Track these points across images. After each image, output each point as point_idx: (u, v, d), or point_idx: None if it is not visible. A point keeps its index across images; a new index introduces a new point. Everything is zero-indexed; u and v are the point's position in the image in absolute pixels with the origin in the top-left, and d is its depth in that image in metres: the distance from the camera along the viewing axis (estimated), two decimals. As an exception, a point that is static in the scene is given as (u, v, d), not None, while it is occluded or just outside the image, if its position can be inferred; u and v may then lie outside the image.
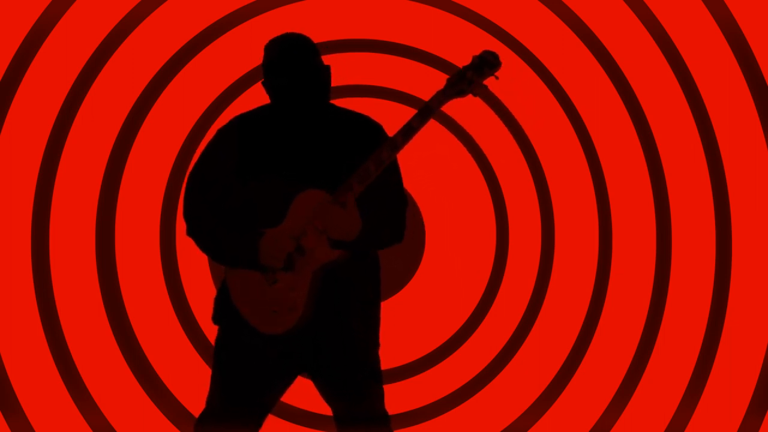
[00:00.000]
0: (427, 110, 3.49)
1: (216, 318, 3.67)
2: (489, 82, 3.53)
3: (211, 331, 5.16)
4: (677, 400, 5.04)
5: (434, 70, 5.12)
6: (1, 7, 4.96)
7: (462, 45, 5.09)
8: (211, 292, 5.19)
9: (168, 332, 5.16)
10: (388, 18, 5.11)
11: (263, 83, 3.55)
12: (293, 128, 3.54)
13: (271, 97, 3.55)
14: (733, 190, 5.00)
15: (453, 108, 5.10)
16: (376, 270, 3.63)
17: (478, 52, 3.52)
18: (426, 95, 5.17)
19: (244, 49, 5.06)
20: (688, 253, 5.06)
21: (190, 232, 3.59)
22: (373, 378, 3.63)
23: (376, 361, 3.64)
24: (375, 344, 3.63)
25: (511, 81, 5.09)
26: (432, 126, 5.06)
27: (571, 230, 5.20)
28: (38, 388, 5.04)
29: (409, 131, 3.46)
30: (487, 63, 3.50)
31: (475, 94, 3.53)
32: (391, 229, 3.56)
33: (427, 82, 5.13)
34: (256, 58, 5.03)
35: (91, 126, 5.07)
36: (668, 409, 5.04)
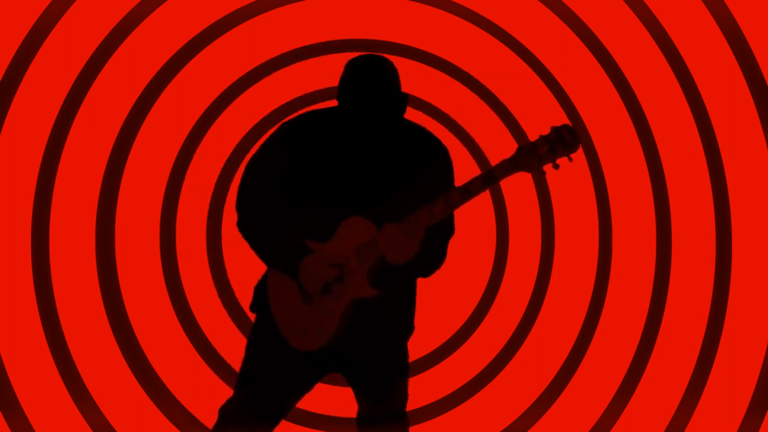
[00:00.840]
0: (490, 179, 3.35)
1: (253, 306, 3.63)
2: (561, 162, 3.34)
3: (211, 332, 5.17)
4: (677, 400, 5.04)
5: (434, 71, 5.12)
6: (1, 7, 4.96)
7: (462, 45, 5.10)
8: (212, 292, 5.19)
9: (168, 332, 5.16)
10: (388, 18, 5.11)
11: (338, 97, 3.47)
12: (360, 135, 3.46)
13: (342, 111, 3.46)
14: (733, 190, 5.00)
15: (452, 107, 5.11)
16: (412, 304, 3.61)
17: (558, 124, 3.35)
18: (426, 95, 5.18)
19: (244, 49, 5.06)
20: (688, 253, 5.06)
21: (240, 226, 3.55)
22: (402, 377, 3.64)
23: (406, 360, 3.64)
24: (405, 347, 3.63)
25: (511, 80, 5.10)
26: (432, 126, 5.06)
27: (571, 230, 5.20)
28: (38, 388, 5.03)
29: (467, 194, 3.35)
30: (563, 141, 3.32)
31: (543, 172, 3.37)
32: (435, 261, 3.52)
33: (427, 83, 5.13)
34: (257, 58, 5.05)
35: (91, 126, 5.07)
36: (668, 409, 5.04)
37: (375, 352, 3.56)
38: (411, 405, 5.19)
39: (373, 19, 5.11)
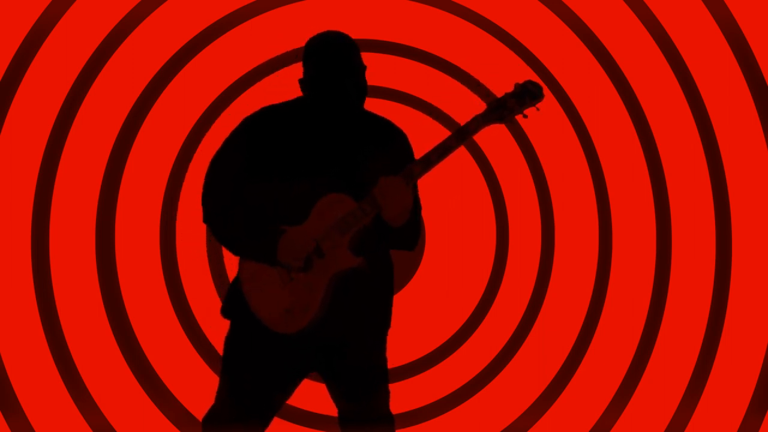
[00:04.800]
0: (464, 132, 3.48)
1: (226, 311, 3.63)
2: (529, 112, 3.51)
3: (210, 331, 5.17)
4: (677, 400, 5.04)
5: (434, 71, 5.12)
6: (1, 7, 4.96)
7: (462, 45, 5.10)
8: (212, 292, 5.19)
9: (168, 332, 5.16)
10: (388, 18, 5.11)
11: (301, 79, 3.53)
12: (324, 126, 3.52)
13: (306, 93, 3.53)
14: (733, 190, 5.00)
15: (453, 108, 5.11)
16: (391, 275, 3.62)
17: (521, 81, 3.51)
18: (426, 95, 5.19)
19: (244, 49, 5.06)
20: (688, 253, 5.06)
21: (208, 219, 3.56)
22: (383, 379, 3.63)
23: (385, 361, 3.64)
24: (384, 345, 3.63)
25: (511, 81, 5.10)
26: (432, 126, 5.07)
27: (571, 230, 5.20)
28: (38, 388, 5.04)
29: (444, 151, 3.46)
30: (529, 93, 3.48)
31: (513, 121, 3.51)
32: (412, 232, 3.57)
33: (427, 82, 5.14)
34: (257, 58, 5.05)
35: (91, 126, 5.07)
36: (668, 409, 5.04)
37: (358, 337, 3.56)
38: (410, 406, 5.19)
39: (373, 19, 5.11)
